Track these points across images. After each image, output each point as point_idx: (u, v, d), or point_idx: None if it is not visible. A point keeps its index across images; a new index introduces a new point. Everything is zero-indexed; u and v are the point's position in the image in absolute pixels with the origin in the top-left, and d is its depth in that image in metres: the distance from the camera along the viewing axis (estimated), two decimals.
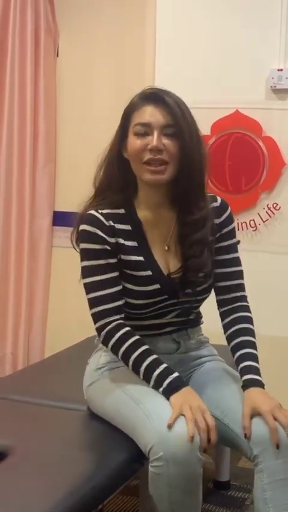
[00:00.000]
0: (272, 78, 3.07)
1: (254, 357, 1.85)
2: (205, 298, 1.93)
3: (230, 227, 1.94)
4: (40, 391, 2.22)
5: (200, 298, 1.92)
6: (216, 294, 1.95)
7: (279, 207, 3.15)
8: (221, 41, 3.19)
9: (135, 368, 1.78)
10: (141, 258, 1.83)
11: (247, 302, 1.96)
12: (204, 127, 3.14)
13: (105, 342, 1.83)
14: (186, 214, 1.83)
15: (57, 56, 3.58)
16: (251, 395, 1.75)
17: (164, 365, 1.77)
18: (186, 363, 1.96)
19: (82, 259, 1.84)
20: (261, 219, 3.19)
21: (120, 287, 1.82)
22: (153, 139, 1.74)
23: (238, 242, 1.96)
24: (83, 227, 1.82)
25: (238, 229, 3.18)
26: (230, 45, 3.17)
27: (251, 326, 1.91)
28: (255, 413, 1.71)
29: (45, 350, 3.61)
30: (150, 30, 3.29)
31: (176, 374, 1.76)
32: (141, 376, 1.78)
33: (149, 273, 1.83)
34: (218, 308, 1.96)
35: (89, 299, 1.84)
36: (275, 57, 3.10)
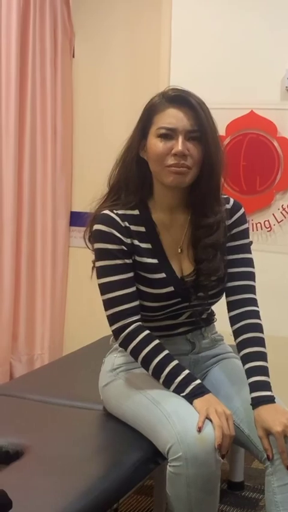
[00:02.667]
0: (287, 78, 3.07)
1: (262, 370, 1.79)
2: (217, 301, 1.92)
3: (241, 228, 1.91)
4: (55, 390, 2.23)
5: (212, 301, 1.91)
6: (225, 296, 1.91)
7: None
8: (235, 41, 3.18)
9: (156, 373, 1.78)
10: (155, 261, 1.82)
11: (256, 306, 1.89)
12: (219, 128, 3.09)
13: (124, 345, 1.81)
14: (201, 218, 1.82)
15: (73, 57, 3.59)
16: (261, 414, 1.72)
17: (187, 371, 1.77)
18: (200, 363, 1.97)
19: (97, 259, 1.82)
20: (276, 219, 3.18)
21: (135, 288, 1.81)
22: (179, 144, 1.72)
23: (250, 243, 1.94)
24: (98, 227, 1.80)
25: (252, 230, 3.20)
26: (245, 45, 3.17)
27: (260, 334, 1.85)
28: (268, 433, 1.70)
29: (63, 349, 3.63)
30: (165, 30, 3.29)
31: (198, 381, 1.76)
32: (162, 381, 1.77)
33: (163, 275, 1.82)
34: (228, 311, 1.91)
35: (105, 300, 1.81)
36: None
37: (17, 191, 3.36)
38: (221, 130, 3.14)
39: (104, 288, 1.81)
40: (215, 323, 2.03)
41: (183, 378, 1.75)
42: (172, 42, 3.27)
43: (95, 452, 1.80)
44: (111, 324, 1.82)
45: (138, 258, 1.81)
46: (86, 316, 3.60)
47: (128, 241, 1.80)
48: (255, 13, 3.15)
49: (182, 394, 1.74)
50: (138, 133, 1.81)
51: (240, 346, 1.85)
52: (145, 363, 1.79)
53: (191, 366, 1.91)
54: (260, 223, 3.20)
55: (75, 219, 3.63)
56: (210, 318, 1.99)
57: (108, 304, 1.81)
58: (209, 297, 1.86)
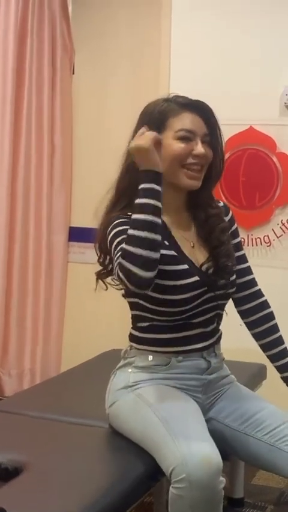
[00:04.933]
0: (286, 95, 3.09)
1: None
2: (232, 293, 1.96)
3: (236, 225, 2.04)
4: (54, 407, 2.22)
5: (232, 291, 1.94)
6: (235, 292, 1.98)
7: None
8: (235, 58, 3.21)
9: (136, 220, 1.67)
10: (175, 254, 1.86)
11: (264, 296, 2.05)
12: None
13: (120, 270, 1.66)
14: (205, 212, 1.92)
15: (73, 73, 3.62)
16: None
17: None
18: (212, 383, 1.95)
19: (115, 239, 1.75)
20: (275, 234, 3.19)
21: None
22: (199, 146, 1.83)
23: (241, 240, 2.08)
24: (114, 224, 1.78)
25: (252, 245, 3.20)
26: (244, 62, 3.20)
27: (276, 321, 2.02)
28: None
29: (62, 365, 3.61)
30: (165, 47, 3.32)
31: None
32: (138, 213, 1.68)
33: (186, 266, 1.85)
34: (239, 305, 2.02)
35: (115, 258, 1.71)
36: None
37: (10, 207, 3.37)
38: None
39: (119, 244, 1.72)
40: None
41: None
42: (171, 58, 3.30)
43: (94, 469, 1.79)
44: (116, 266, 1.70)
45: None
46: (86, 331, 3.59)
47: None
48: (254, 31, 3.18)
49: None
50: None
51: (264, 334, 2.00)
52: (133, 226, 1.67)
53: (204, 386, 1.91)
54: (259, 238, 3.20)
55: (74, 234, 3.64)
56: (220, 334, 2.00)
57: (115, 256, 1.72)
58: (230, 284, 1.91)
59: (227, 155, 3.18)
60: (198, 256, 1.90)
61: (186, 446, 1.65)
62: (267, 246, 3.20)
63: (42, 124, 3.48)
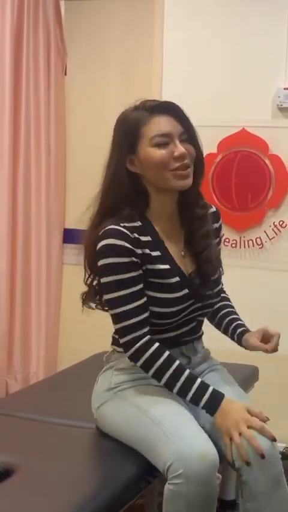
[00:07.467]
0: (279, 97, 3.09)
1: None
2: (217, 302, 1.98)
3: (222, 232, 2.06)
4: (46, 408, 2.21)
5: (216, 301, 1.96)
6: None
7: (286, 225, 3.16)
8: (227, 60, 3.21)
9: (170, 385, 1.78)
10: (167, 266, 1.84)
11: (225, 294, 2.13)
12: (211, 145, 3.17)
13: (134, 358, 1.80)
14: (193, 211, 1.89)
15: (65, 75, 3.62)
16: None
17: (199, 380, 1.79)
18: None
19: (106, 275, 1.79)
20: (268, 236, 3.19)
21: (145, 299, 1.80)
22: (178, 147, 1.79)
23: None
24: (107, 241, 1.77)
25: (244, 247, 3.21)
26: (237, 64, 3.20)
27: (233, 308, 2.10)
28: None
29: (58, 367, 3.61)
30: (157, 49, 3.32)
31: (211, 388, 1.78)
32: (176, 391, 1.78)
33: (178, 279, 1.84)
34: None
35: (115, 314, 1.80)
36: (281, 76, 3.12)
37: (11, 209, 3.36)
38: (213, 148, 3.20)
39: (114, 303, 1.80)
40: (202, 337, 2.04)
41: (198, 386, 1.77)
42: (164, 61, 3.30)
43: (85, 471, 1.79)
44: (122, 337, 1.80)
45: (151, 266, 1.81)
46: (80, 333, 3.58)
47: (139, 251, 1.80)
48: (246, 33, 3.18)
49: (200, 404, 1.76)
50: (124, 150, 1.83)
51: (221, 316, 2.07)
52: (158, 376, 1.79)
53: None
54: (251, 240, 3.21)
55: (69, 236, 3.63)
56: (200, 334, 2.00)
57: (119, 317, 1.80)
58: (215, 294, 1.92)
59: (219, 157, 3.20)
60: (187, 265, 1.90)
61: (182, 442, 1.66)
62: (260, 248, 3.20)
63: (40, 127, 3.47)
